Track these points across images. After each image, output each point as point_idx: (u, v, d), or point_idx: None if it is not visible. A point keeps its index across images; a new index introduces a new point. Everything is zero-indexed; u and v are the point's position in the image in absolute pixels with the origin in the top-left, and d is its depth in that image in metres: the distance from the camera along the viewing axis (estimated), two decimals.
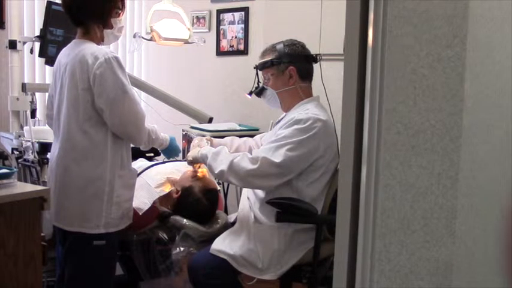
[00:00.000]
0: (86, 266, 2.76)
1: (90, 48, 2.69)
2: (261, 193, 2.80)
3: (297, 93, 2.88)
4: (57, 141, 2.78)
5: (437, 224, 1.31)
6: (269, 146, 2.68)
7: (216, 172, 2.74)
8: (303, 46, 2.94)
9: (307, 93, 2.92)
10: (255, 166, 2.62)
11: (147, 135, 2.85)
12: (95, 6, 2.75)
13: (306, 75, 2.91)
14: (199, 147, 3.00)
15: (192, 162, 3.01)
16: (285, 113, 2.96)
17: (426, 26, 1.28)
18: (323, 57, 2.98)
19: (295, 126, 2.67)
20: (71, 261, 2.79)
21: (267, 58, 2.89)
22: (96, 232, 2.71)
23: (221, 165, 2.71)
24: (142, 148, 2.99)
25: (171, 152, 3.20)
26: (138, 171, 3.25)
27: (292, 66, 2.86)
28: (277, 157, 2.62)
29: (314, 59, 2.92)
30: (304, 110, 2.78)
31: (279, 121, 2.96)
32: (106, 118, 2.67)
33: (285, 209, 2.66)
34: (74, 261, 2.78)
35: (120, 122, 2.68)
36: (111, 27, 2.81)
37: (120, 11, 2.83)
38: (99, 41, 2.80)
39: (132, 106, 2.69)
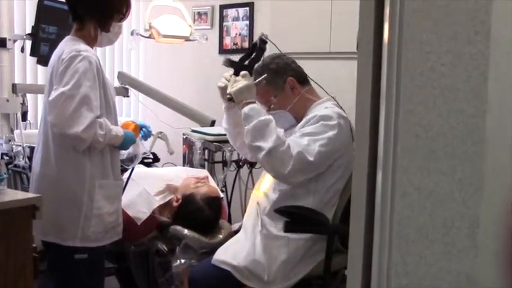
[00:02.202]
0: (68, 281, 2.76)
1: (72, 46, 2.68)
2: (274, 198, 2.78)
3: (305, 98, 2.88)
4: (39, 145, 2.79)
5: (459, 234, 1.31)
6: (301, 139, 2.65)
7: (252, 144, 2.66)
8: (282, 54, 2.96)
9: (316, 95, 2.92)
10: (289, 167, 2.59)
11: (90, 139, 2.62)
12: (98, 4, 2.75)
13: (304, 79, 2.92)
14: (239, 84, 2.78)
15: (230, 100, 2.81)
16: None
17: (446, 21, 1.27)
18: (335, 56, 2.98)
19: (322, 122, 2.67)
20: (54, 276, 2.79)
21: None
22: (71, 245, 2.69)
23: (262, 141, 2.62)
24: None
25: (126, 143, 2.89)
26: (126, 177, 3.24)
27: (288, 77, 2.87)
28: (311, 154, 2.59)
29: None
30: (324, 108, 2.79)
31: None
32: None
33: (295, 218, 2.65)
34: (56, 276, 2.79)
35: (55, 122, 2.61)
36: (108, 30, 2.80)
37: (123, 17, 2.83)
38: (92, 40, 2.80)
39: (74, 108, 2.57)
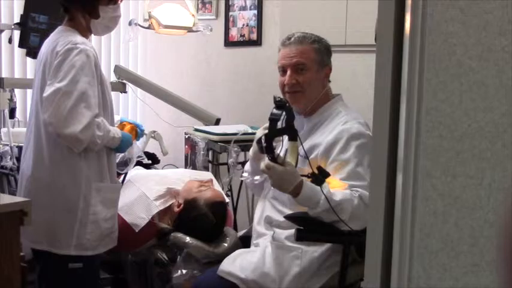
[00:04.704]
0: None
1: (67, 37, 2.68)
2: (285, 205, 2.76)
3: (326, 94, 2.88)
4: (29, 145, 2.78)
5: (487, 245, 1.30)
6: (359, 180, 2.61)
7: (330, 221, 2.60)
8: None
9: (331, 94, 2.92)
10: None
11: (87, 140, 2.63)
12: None
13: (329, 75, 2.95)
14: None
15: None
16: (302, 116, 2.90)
17: (475, 10, 1.26)
18: (351, 49, 2.97)
19: (356, 144, 2.66)
20: (44, 286, 2.79)
21: (309, 46, 2.86)
22: (65, 253, 2.69)
23: (339, 216, 2.55)
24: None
25: (123, 145, 2.91)
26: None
27: (329, 66, 2.90)
28: None
29: None
30: (337, 115, 2.81)
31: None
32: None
33: (307, 225, 2.64)
34: (47, 287, 2.78)
35: (51, 121, 2.60)
36: (97, 16, 2.78)
37: None
38: (85, 31, 2.79)
39: (71, 105, 2.57)
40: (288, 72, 2.82)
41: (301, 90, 2.82)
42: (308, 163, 2.56)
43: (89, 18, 2.77)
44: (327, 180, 2.55)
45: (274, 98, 2.52)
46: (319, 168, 2.52)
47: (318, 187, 2.50)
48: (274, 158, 2.50)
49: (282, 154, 2.57)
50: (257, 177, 2.92)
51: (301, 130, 2.82)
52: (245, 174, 2.99)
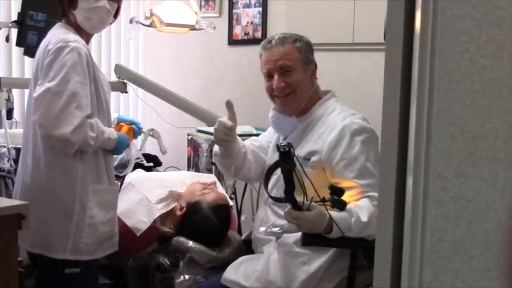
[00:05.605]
0: None
1: (60, 35, 2.67)
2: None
3: (316, 92, 2.89)
4: (28, 146, 2.78)
5: (501, 249, 1.29)
6: (369, 178, 2.61)
7: (360, 229, 2.55)
8: None
9: (322, 91, 2.93)
10: None
11: (79, 142, 2.63)
12: None
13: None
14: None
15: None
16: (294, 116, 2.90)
17: (488, 6, 1.25)
18: (359, 47, 2.97)
19: (359, 139, 2.67)
20: None
21: (291, 46, 2.86)
22: (61, 258, 2.69)
23: (371, 231, 2.52)
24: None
25: (120, 147, 2.90)
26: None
27: (314, 63, 2.91)
28: None
29: None
30: (332, 112, 2.81)
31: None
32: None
33: None
34: None
35: (41, 122, 2.62)
36: (75, 6, 2.75)
37: None
38: (78, 26, 2.77)
39: (62, 106, 2.57)
40: (276, 77, 2.82)
41: (292, 92, 2.82)
42: (303, 172, 2.52)
43: (72, 10, 2.74)
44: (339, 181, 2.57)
45: (278, 147, 2.44)
46: (332, 187, 2.50)
47: (344, 213, 2.50)
48: (299, 207, 2.44)
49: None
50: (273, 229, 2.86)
51: (294, 131, 2.84)
52: (262, 229, 2.88)
